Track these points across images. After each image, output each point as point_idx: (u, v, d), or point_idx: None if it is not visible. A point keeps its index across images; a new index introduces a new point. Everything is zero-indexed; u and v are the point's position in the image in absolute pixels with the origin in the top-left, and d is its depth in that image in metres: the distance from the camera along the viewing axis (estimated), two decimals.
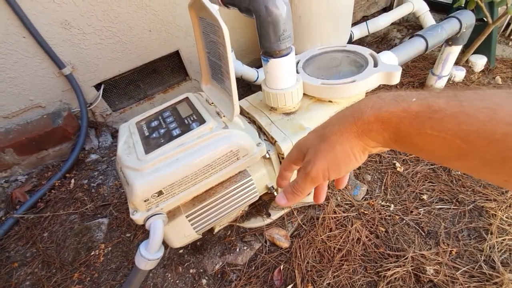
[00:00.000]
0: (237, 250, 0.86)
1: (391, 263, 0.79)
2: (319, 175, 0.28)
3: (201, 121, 0.62)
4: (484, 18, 1.24)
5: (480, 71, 1.42)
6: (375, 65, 0.78)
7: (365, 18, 1.96)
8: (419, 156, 0.25)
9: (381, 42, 1.79)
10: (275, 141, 0.70)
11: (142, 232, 0.96)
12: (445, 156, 0.22)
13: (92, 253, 0.91)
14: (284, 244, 0.86)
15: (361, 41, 1.79)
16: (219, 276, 0.82)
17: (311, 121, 0.73)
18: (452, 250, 0.81)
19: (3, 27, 0.99)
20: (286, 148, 0.68)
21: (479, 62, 1.39)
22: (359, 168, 1.05)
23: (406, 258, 0.79)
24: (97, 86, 1.27)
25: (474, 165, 0.20)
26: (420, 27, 1.74)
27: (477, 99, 0.19)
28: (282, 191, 0.32)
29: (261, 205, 0.93)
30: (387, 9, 2.04)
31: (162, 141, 0.60)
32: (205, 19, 0.59)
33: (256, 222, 0.90)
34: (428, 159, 0.24)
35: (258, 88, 1.50)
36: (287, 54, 0.66)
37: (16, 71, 1.07)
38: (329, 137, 0.27)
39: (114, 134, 1.39)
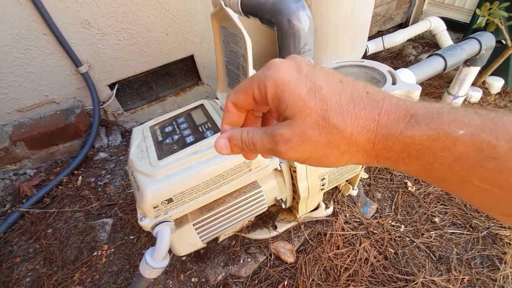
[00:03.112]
0: (241, 261, 0.84)
1: (400, 287, 0.76)
2: (288, 157, 0.22)
3: (216, 129, 0.62)
4: (503, 41, 1.22)
5: (497, 93, 1.39)
6: (394, 82, 0.77)
7: (380, 33, 1.95)
8: (449, 192, 0.20)
9: (395, 57, 1.78)
10: None
11: (146, 236, 0.95)
12: (494, 210, 0.18)
13: (95, 254, 0.90)
14: (290, 258, 0.84)
15: (375, 56, 1.78)
16: (221, 287, 0.80)
17: None
18: (464, 278, 0.78)
19: (25, 23, 1.00)
20: None
21: (496, 84, 1.37)
22: (369, 185, 1.03)
23: (416, 283, 0.76)
24: (111, 86, 1.28)
25: None
26: (436, 45, 1.72)
27: None
28: (227, 137, 0.24)
29: (268, 217, 0.92)
30: (402, 25, 2.03)
31: (175, 147, 0.60)
32: (227, 28, 0.59)
33: (261, 234, 0.88)
34: (463, 200, 0.21)
35: None
36: None
37: (34, 67, 1.09)
38: (333, 135, 0.20)
39: (124, 134, 1.40)
